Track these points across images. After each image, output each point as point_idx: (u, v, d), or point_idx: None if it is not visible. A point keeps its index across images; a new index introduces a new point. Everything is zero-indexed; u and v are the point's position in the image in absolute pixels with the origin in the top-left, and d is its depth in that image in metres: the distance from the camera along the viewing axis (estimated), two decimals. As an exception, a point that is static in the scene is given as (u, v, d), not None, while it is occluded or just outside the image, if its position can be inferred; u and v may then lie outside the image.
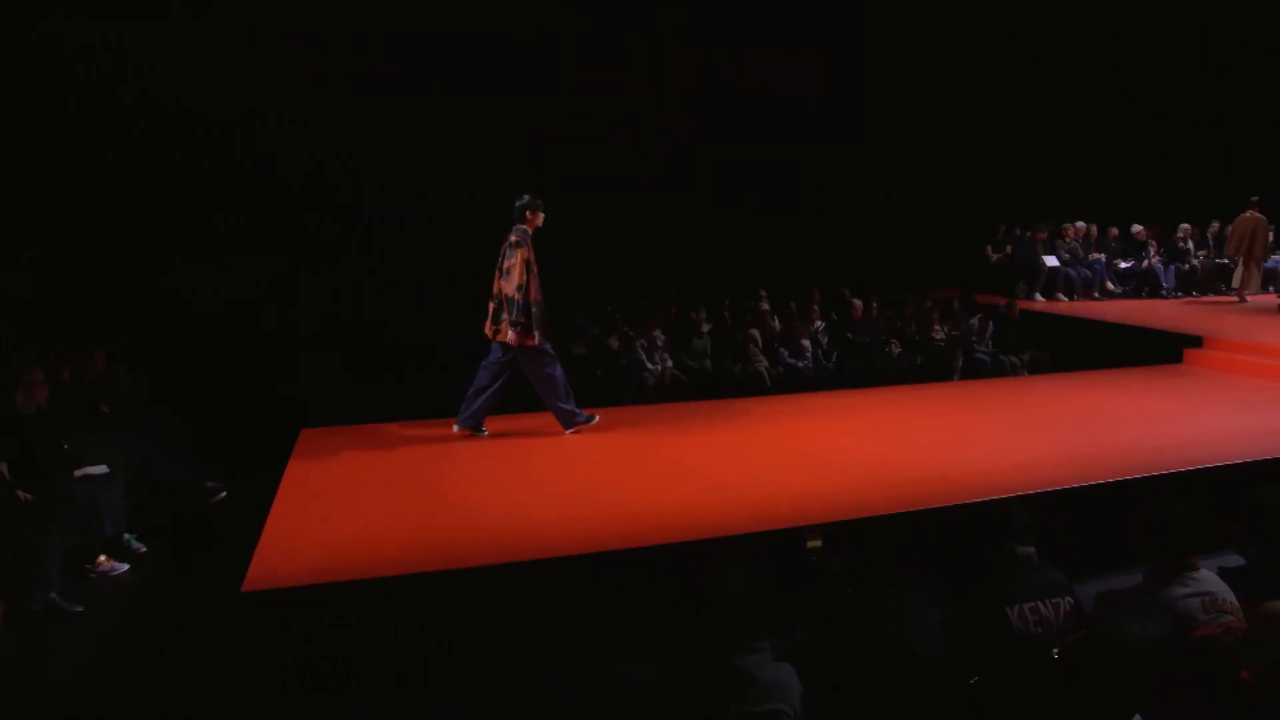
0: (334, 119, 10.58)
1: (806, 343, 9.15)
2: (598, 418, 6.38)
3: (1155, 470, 5.25)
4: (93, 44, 9.43)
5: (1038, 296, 12.20)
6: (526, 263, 5.84)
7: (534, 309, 5.87)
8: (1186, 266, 13.06)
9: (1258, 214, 11.79)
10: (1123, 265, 12.85)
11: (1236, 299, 12.18)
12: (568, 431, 6.24)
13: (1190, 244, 13.29)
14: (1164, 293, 12.78)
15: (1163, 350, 9.20)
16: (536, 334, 5.89)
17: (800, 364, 8.99)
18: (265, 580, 3.84)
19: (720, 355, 9.05)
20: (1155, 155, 13.93)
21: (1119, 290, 12.63)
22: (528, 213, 5.98)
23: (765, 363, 8.95)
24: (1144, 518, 3.07)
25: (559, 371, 6.12)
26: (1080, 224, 12.87)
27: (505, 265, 5.87)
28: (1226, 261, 13.29)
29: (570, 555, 4.18)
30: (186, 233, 9.91)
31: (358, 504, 4.87)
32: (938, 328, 9.89)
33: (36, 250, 9.26)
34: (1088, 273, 12.45)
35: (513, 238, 5.91)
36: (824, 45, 13.33)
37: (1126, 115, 14.26)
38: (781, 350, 9.09)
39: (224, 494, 6.47)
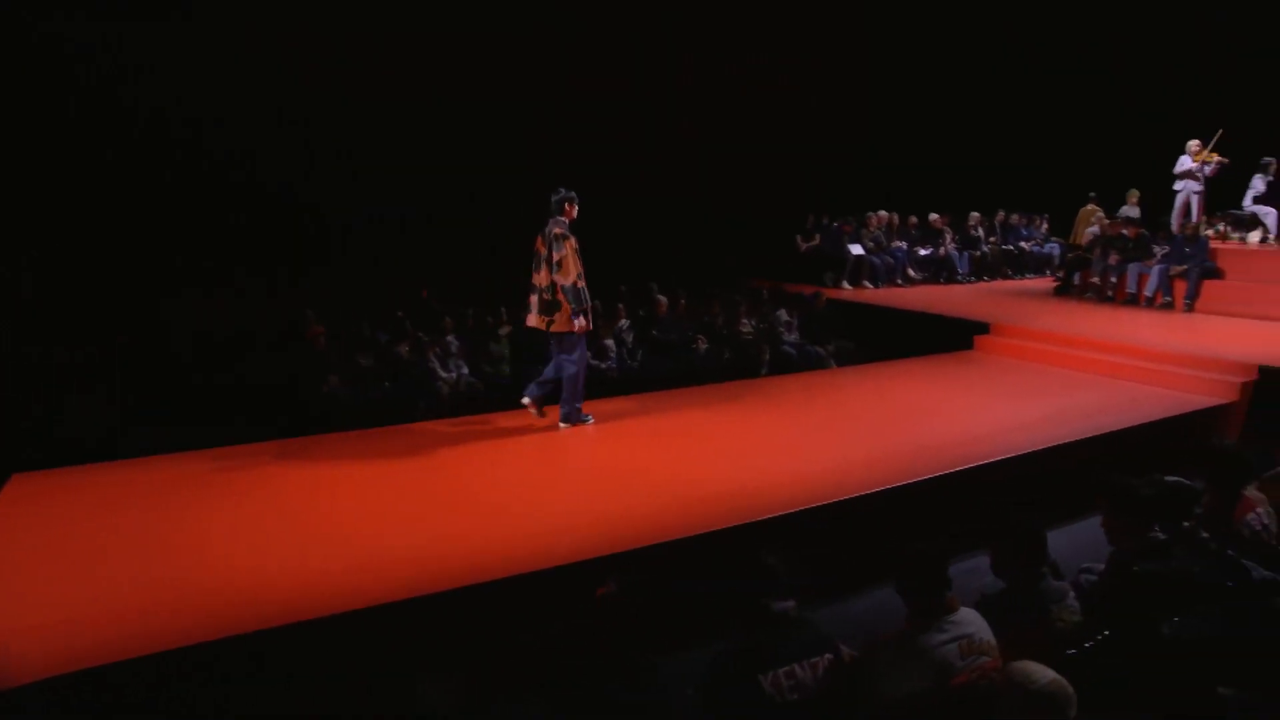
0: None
1: (610, 342, 8.84)
2: (592, 419, 6.56)
3: (942, 470, 5.23)
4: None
5: (845, 284, 12.46)
6: (576, 252, 6.04)
7: (586, 296, 6.14)
8: (978, 253, 13.73)
9: (1096, 206, 13.15)
10: (922, 253, 13.35)
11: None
12: (563, 425, 6.37)
13: (981, 231, 14.00)
14: (959, 278, 13.38)
15: (956, 337, 9.51)
16: (588, 321, 6.20)
17: (604, 365, 8.66)
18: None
19: (520, 360, 8.59)
20: (946, 148, 14.60)
21: (919, 277, 13.11)
22: (565, 205, 6.11)
23: (569, 365, 8.56)
24: (899, 559, 2.87)
25: (584, 364, 6.40)
26: (882, 213, 13.27)
27: (555, 258, 5.99)
28: (1011, 248, 14.15)
29: (313, 619, 3.62)
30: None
31: (64, 571, 4.09)
32: (745, 321, 9.83)
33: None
34: (890, 260, 12.84)
35: (556, 230, 6.03)
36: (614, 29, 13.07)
37: (921, 109, 14.87)
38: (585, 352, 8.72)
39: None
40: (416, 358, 8.29)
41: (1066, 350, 8.65)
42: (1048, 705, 2.14)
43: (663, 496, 4.92)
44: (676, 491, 4.99)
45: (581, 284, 6.06)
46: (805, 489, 4.92)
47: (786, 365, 9.26)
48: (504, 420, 6.72)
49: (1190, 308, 10.69)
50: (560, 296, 6.02)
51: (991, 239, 14.15)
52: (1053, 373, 8.25)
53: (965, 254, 13.56)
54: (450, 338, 8.45)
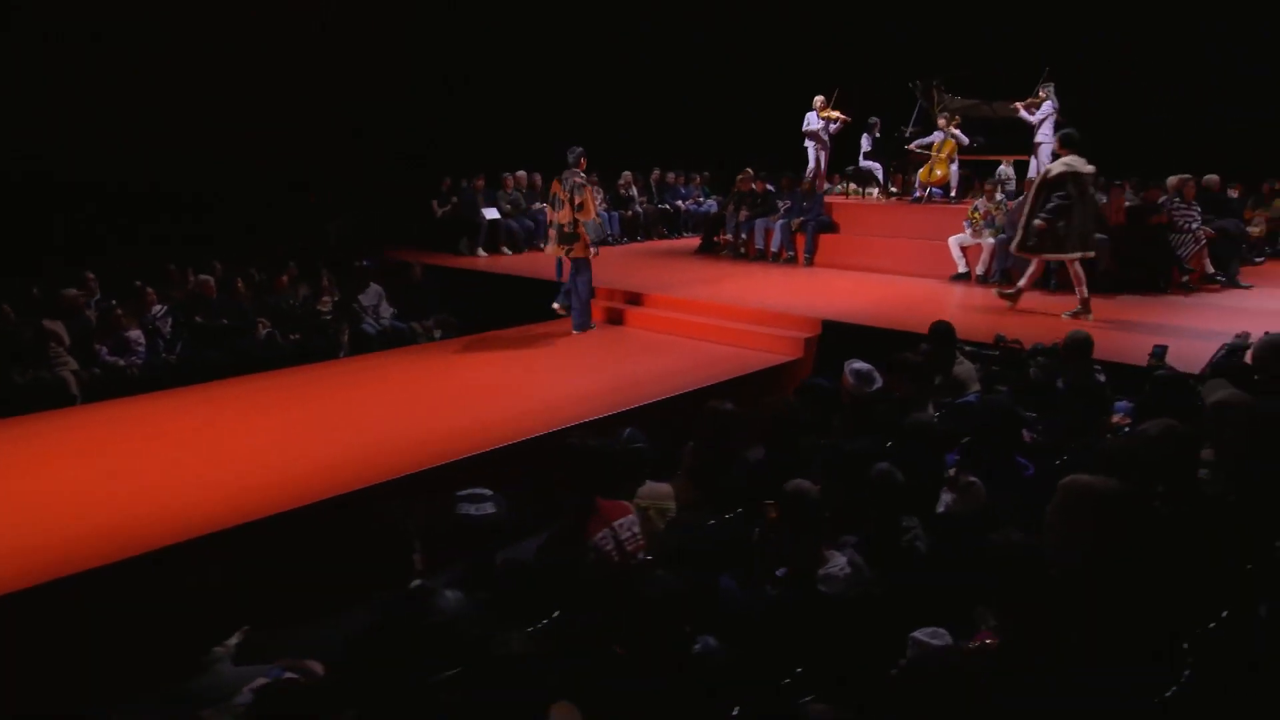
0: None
1: (137, 333, 7.29)
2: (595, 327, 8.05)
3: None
4: None
5: (480, 251, 11.51)
6: (593, 196, 7.78)
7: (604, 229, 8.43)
8: (630, 213, 13.29)
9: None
10: (568, 214, 12.66)
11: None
12: (576, 331, 7.83)
13: (634, 191, 13.57)
14: (609, 239, 12.84)
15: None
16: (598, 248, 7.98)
17: (124, 361, 7.11)
18: None
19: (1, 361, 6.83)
20: (599, 105, 14.03)
21: (564, 240, 12.42)
22: (580, 158, 7.76)
23: (74, 365, 6.94)
24: None
25: (591, 280, 7.91)
26: (521, 173, 12.40)
27: (578, 200, 7.56)
28: (666, 207, 13.92)
29: None
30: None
31: None
32: (327, 299, 8.59)
33: None
34: (530, 224, 12.02)
35: (576, 179, 7.62)
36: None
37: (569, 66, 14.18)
38: (100, 347, 7.13)
39: None
40: None
41: (662, 312, 8.24)
42: None
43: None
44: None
45: (598, 220, 7.99)
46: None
47: (367, 346, 8.17)
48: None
49: (810, 261, 10.76)
50: (580, 230, 7.60)
51: (643, 199, 13.76)
52: (639, 337, 7.80)
53: (615, 214, 13.04)
54: None
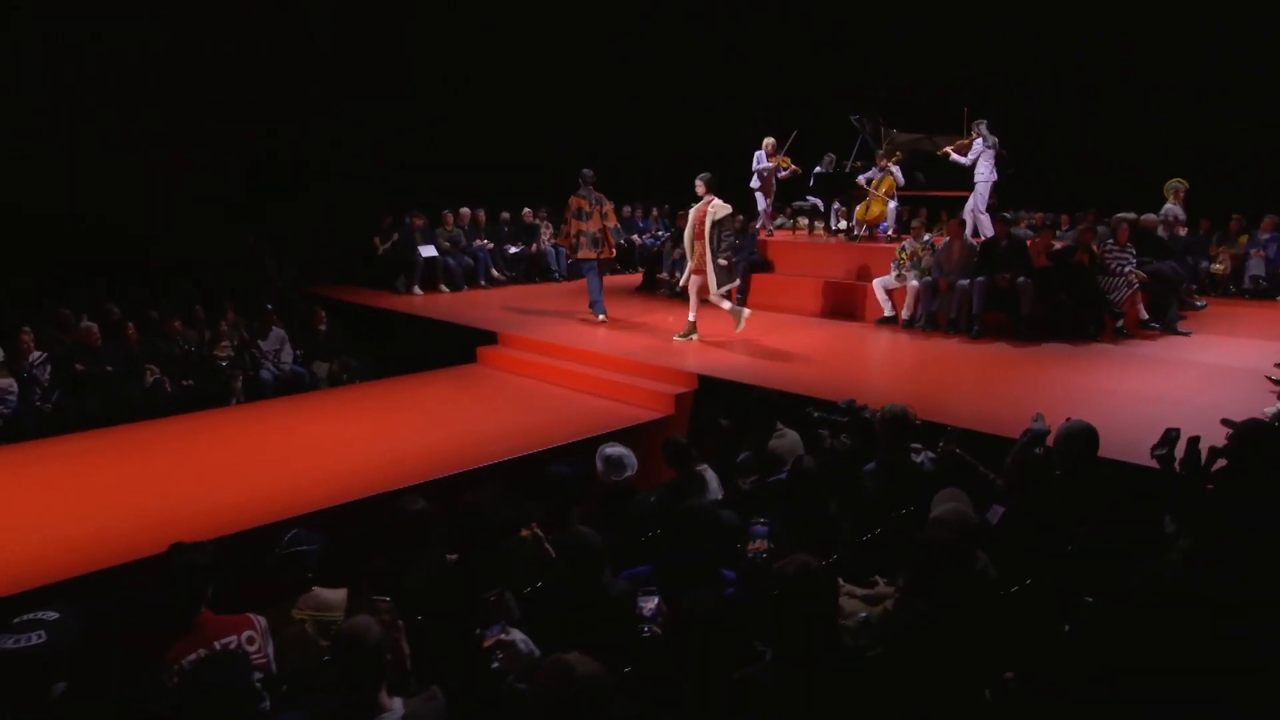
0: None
1: (8, 382, 7.23)
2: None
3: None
4: None
5: (416, 289, 11.39)
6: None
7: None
8: (580, 248, 13.09)
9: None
10: (512, 250, 12.53)
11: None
12: (596, 316, 9.17)
13: (585, 224, 13.37)
14: (555, 276, 12.70)
15: (463, 348, 8.64)
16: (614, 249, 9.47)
17: (-11, 412, 7.06)
18: None
19: None
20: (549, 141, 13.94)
21: (504, 277, 12.26)
22: (593, 176, 9.10)
23: (-64, 415, 6.91)
24: None
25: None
26: (464, 210, 12.28)
27: (605, 209, 9.17)
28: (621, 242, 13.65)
29: None
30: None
31: None
32: (226, 344, 8.49)
33: None
34: (469, 261, 11.89)
35: (597, 194, 9.14)
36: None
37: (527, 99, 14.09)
38: (-33, 397, 7.09)
39: None
40: None
41: (554, 361, 8.00)
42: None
43: None
44: None
45: (618, 224, 9.51)
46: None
47: (262, 393, 8.05)
48: None
49: (742, 301, 10.45)
50: (609, 235, 9.11)
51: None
52: (525, 387, 7.59)
53: (563, 249, 12.85)
54: None
